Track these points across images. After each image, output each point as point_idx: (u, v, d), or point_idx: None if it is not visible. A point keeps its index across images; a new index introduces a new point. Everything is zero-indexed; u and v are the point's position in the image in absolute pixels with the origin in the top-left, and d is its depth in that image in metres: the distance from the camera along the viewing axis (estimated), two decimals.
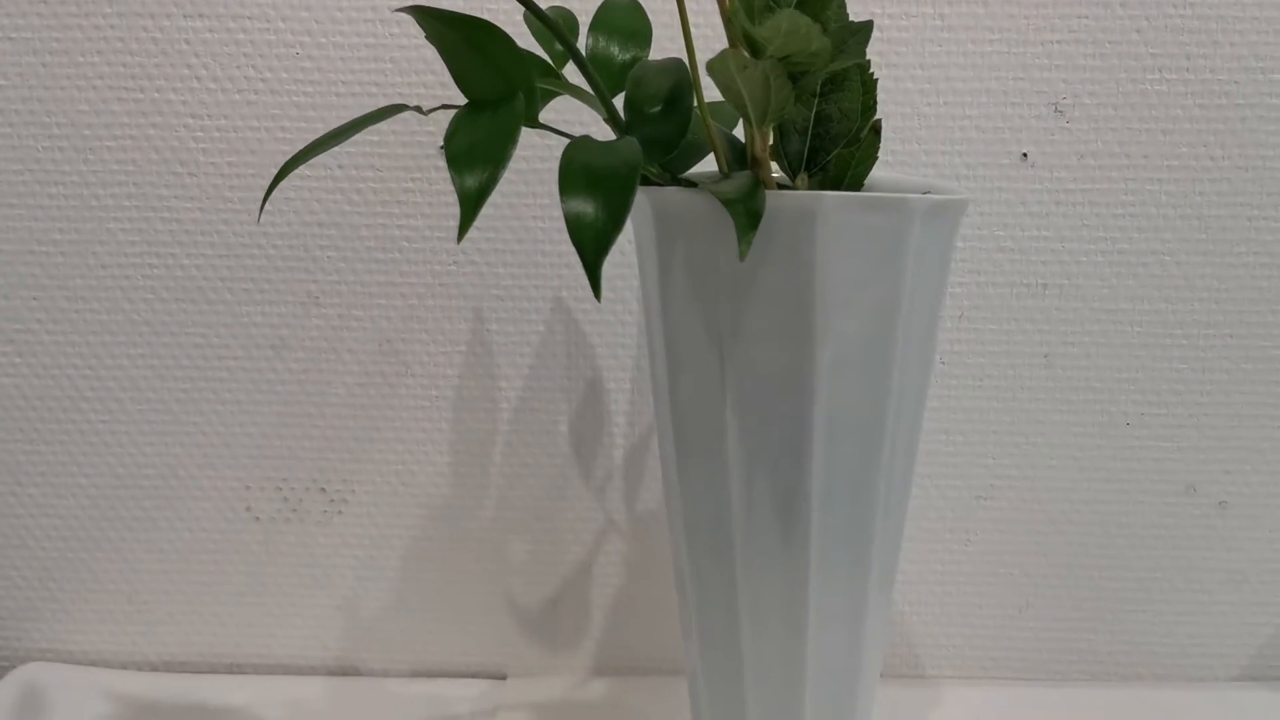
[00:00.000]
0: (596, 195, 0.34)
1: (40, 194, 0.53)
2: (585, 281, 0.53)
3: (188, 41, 0.52)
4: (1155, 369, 0.54)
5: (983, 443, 0.55)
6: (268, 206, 0.53)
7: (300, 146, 0.52)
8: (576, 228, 0.33)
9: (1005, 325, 0.54)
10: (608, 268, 0.53)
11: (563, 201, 0.33)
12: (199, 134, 0.53)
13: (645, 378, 0.55)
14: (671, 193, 0.37)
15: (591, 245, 0.33)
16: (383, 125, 0.52)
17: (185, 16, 0.52)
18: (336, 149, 0.52)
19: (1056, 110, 0.52)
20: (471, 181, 0.33)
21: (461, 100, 0.35)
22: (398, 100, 0.51)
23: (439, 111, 0.36)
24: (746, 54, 0.34)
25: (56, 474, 0.56)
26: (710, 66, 0.33)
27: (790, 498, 0.39)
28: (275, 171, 0.53)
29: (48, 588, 0.58)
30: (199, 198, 0.53)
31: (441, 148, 0.52)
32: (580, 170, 0.34)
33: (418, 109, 0.36)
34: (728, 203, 0.34)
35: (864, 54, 0.36)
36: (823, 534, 0.39)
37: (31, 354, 0.55)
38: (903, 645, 0.57)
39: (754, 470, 0.39)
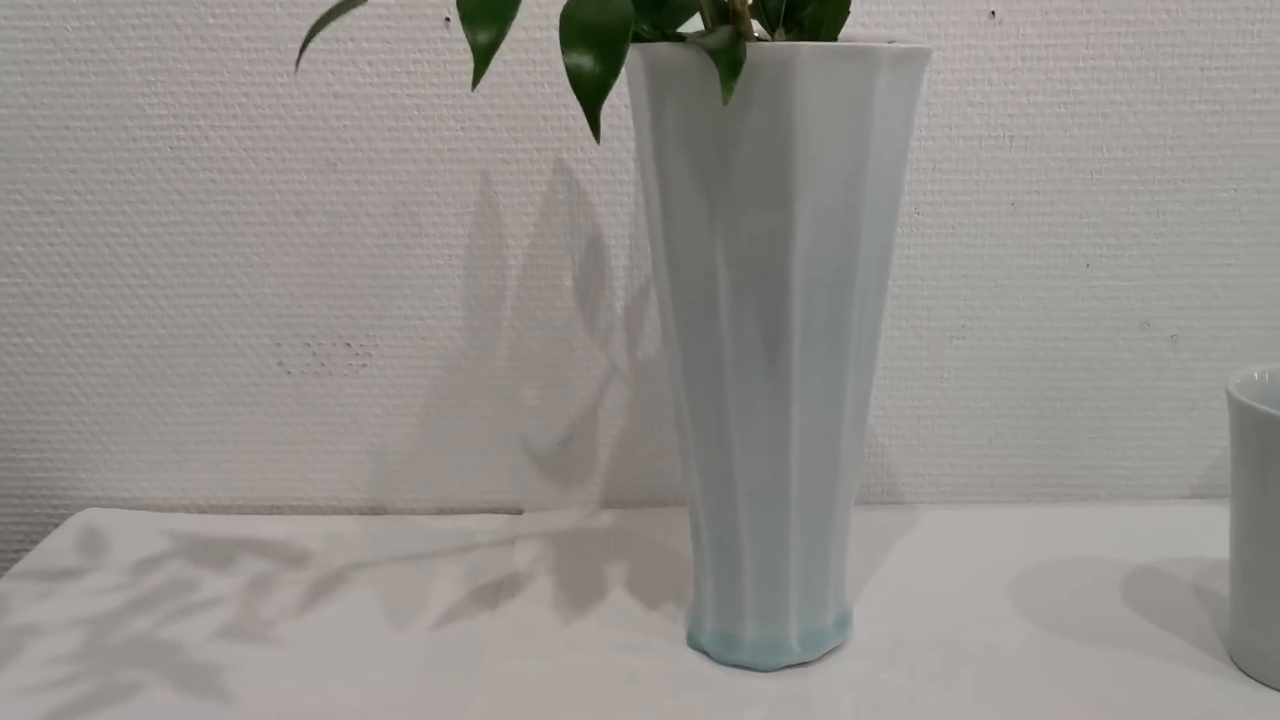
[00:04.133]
0: (593, 48, 0.37)
1: (71, 71, 0.57)
2: (586, 142, 0.57)
3: None
4: (1112, 213, 0.58)
5: (955, 286, 0.60)
6: (285, 80, 0.57)
7: (310, 22, 0.56)
8: (577, 78, 0.37)
9: (974, 175, 0.58)
10: (607, 131, 0.57)
11: (564, 55, 0.37)
12: (217, 11, 0.56)
13: (643, 233, 0.59)
14: (662, 48, 0.41)
15: (590, 92, 0.37)
16: (390, 0, 0.56)
17: None
18: (348, 23, 0.56)
19: None
20: (483, 37, 0.36)
21: None
22: None
23: None
24: None
25: (101, 335, 0.61)
26: None
27: (773, 337, 0.43)
28: (290, 46, 0.57)
29: (100, 440, 0.63)
30: (220, 72, 0.57)
31: (447, 19, 0.56)
32: (578, 26, 0.38)
33: None
34: (712, 53, 0.38)
35: None
36: (803, 369, 0.44)
37: (72, 223, 0.59)
38: (883, 474, 0.63)
39: (741, 311, 0.43)
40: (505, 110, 0.57)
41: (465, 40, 0.56)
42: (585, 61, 0.37)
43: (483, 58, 0.36)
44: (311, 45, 0.56)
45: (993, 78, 0.56)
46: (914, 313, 0.60)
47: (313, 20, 0.56)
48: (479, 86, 0.57)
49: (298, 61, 0.39)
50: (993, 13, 0.55)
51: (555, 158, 0.58)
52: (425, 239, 0.59)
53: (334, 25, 0.56)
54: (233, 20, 0.56)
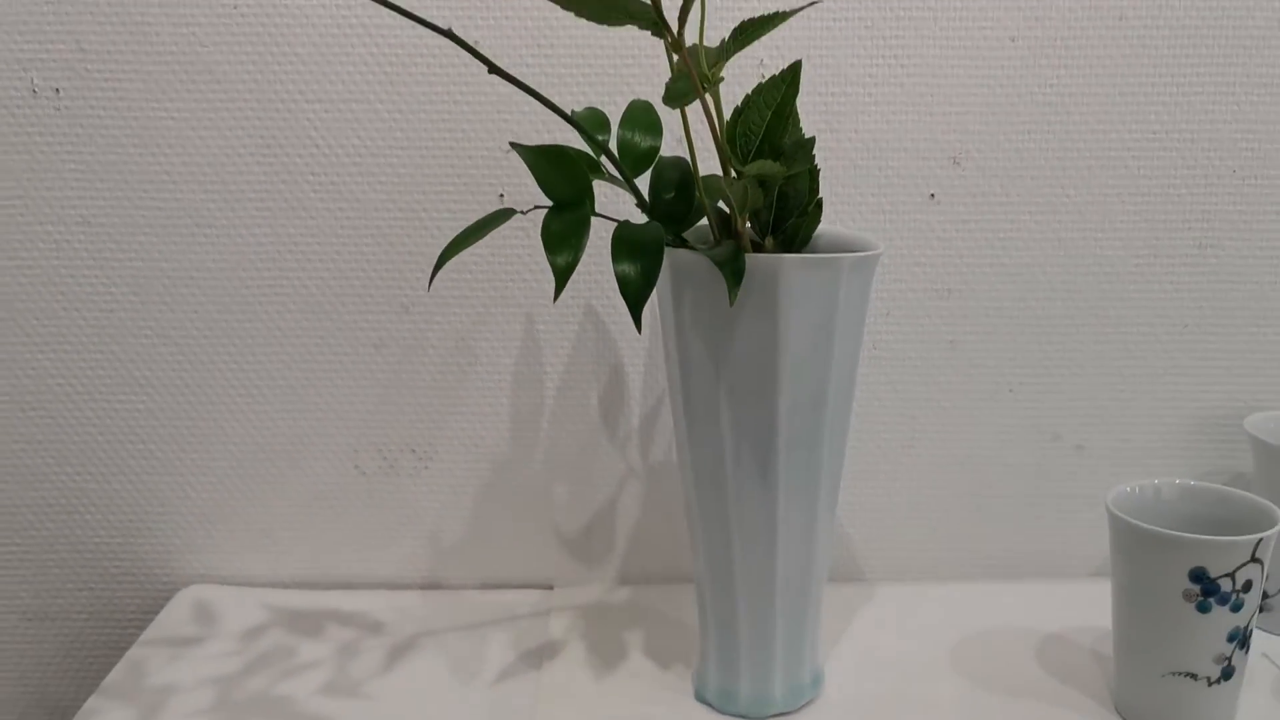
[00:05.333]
0: (636, 261, 0.52)
1: (198, 234, 0.71)
2: (611, 292, 0.71)
3: (309, 119, 0.69)
4: (1029, 350, 0.73)
5: (905, 407, 0.74)
6: (369, 241, 0.71)
7: (391, 197, 0.71)
8: (624, 284, 0.52)
9: (920, 320, 0.73)
10: None
11: (614, 265, 0.52)
12: (317, 188, 0.70)
13: (654, 364, 0.73)
14: (682, 253, 0.55)
15: (634, 296, 0.51)
16: (455, 179, 0.70)
17: (307, 101, 0.69)
18: (419, 196, 0.70)
19: (955, 162, 0.70)
20: (562, 260, 0.51)
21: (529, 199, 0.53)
22: (473, 175, 0.69)
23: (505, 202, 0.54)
24: (733, 173, 0.52)
25: (211, 441, 0.74)
26: (707, 183, 0.52)
27: (764, 454, 0.57)
28: (374, 214, 0.71)
29: (204, 528, 0.76)
30: (318, 234, 0.71)
31: (501, 196, 0.70)
32: (625, 244, 0.52)
33: (521, 212, 0.53)
34: (720, 264, 0.52)
35: (810, 161, 0.55)
36: (786, 478, 0.58)
37: (191, 352, 0.73)
38: (847, 556, 0.77)
39: (740, 437, 0.57)
40: (546, 266, 0.71)
41: (517, 210, 0.70)
42: (631, 271, 0.52)
43: (562, 277, 0.51)
44: (391, 213, 0.71)
45: (934, 244, 0.71)
46: (873, 428, 0.75)
47: (393, 195, 0.70)
48: (528, 246, 0.71)
49: (430, 282, 0.53)
50: (932, 195, 0.71)
51: (585, 304, 0.72)
52: (479, 366, 0.73)
53: (410, 197, 0.70)
54: (329, 193, 0.70)
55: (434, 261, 0.71)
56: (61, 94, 0.68)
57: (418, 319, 0.73)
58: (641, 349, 0.73)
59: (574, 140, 0.57)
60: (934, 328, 0.73)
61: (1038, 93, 0.69)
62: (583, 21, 0.49)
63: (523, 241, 0.71)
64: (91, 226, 0.70)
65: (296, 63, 0.68)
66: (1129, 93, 0.69)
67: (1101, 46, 0.68)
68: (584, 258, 0.71)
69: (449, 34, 0.49)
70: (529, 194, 0.68)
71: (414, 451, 0.75)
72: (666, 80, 0.52)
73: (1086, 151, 0.70)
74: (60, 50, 0.68)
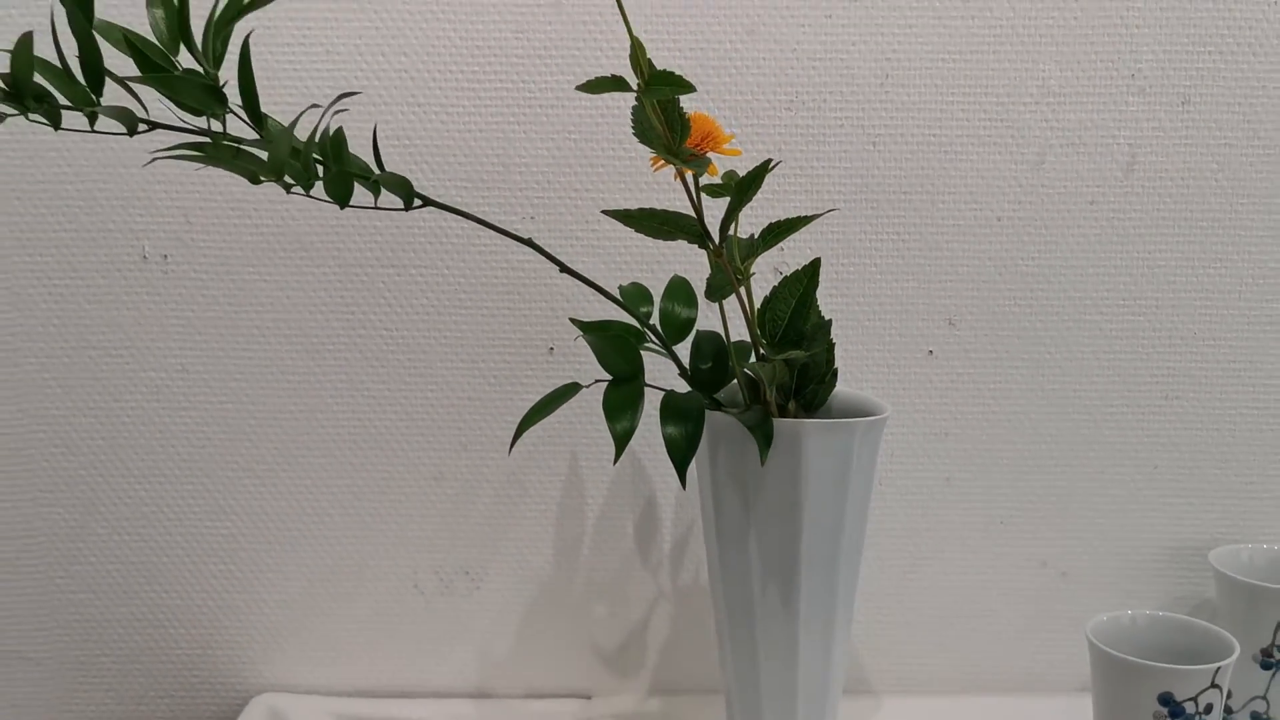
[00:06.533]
0: (682, 425, 0.61)
1: (282, 381, 0.80)
2: (644, 432, 0.80)
3: (383, 282, 0.79)
4: (1018, 486, 0.82)
5: (907, 536, 0.83)
6: (433, 388, 0.81)
7: (453, 349, 0.80)
8: (671, 446, 0.61)
9: (919, 459, 0.82)
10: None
11: (662, 430, 0.61)
12: (389, 342, 0.80)
13: (684, 499, 0.82)
14: (718, 416, 0.64)
15: (680, 458, 0.61)
16: (510, 334, 0.79)
17: (382, 267, 0.79)
18: (478, 349, 0.80)
19: (950, 322, 0.80)
20: (620, 427, 0.60)
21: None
22: (526, 331, 0.79)
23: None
24: (763, 351, 0.62)
25: (283, 564, 0.83)
26: (738, 349, 0.61)
27: (787, 584, 0.66)
28: (438, 365, 0.80)
29: (276, 641, 0.84)
30: (387, 381, 0.80)
31: (551, 349, 0.80)
32: (672, 411, 0.62)
33: (584, 386, 0.63)
34: (751, 428, 0.62)
35: (828, 341, 0.64)
36: (806, 603, 0.66)
37: (272, 484, 0.82)
38: (857, 670, 0.85)
39: (766, 569, 0.66)
40: (593, 411, 0.81)
41: (561, 360, 0.80)
42: (677, 434, 0.61)
43: (621, 442, 0.60)
44: (453, 363, 0.80)
45: (932, 394, 0.81)
46: (879, 555, 0.83)
47: (456, 342, 0.80)
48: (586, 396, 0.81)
49: (510, 449, 0.62)
50: (930, 351, 0.80)
51: None
52: (528, 498, 0.82)
53: (470, 350, 0.80)
54: (399, 346, 0.80)
55: (489, 405, 0.81)
56: (169, 259, 0.78)
57: (474, 456, 0.82)
58: (673, 484, 0.82)
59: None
60: (932, 466, 0.82)
61: (1022, 264, 0.79)
62: None
63: None
64: (189, 374, 0.80)
65: (374, 234, 0.78)
66: (1101, 265, 0.79)
67: (1076, 226, 0.79)
68: None
69: (529, 242, 0.59)
70: (576, 347, 0.78)
71: (468, 574, 0.83)
72: (701, 256, 0.62)
73: (1065, 315, 0.80)
74: (170, 222, 0.78)
